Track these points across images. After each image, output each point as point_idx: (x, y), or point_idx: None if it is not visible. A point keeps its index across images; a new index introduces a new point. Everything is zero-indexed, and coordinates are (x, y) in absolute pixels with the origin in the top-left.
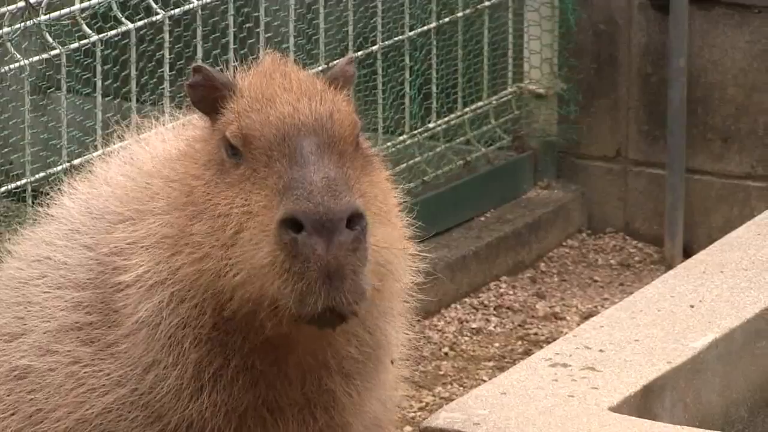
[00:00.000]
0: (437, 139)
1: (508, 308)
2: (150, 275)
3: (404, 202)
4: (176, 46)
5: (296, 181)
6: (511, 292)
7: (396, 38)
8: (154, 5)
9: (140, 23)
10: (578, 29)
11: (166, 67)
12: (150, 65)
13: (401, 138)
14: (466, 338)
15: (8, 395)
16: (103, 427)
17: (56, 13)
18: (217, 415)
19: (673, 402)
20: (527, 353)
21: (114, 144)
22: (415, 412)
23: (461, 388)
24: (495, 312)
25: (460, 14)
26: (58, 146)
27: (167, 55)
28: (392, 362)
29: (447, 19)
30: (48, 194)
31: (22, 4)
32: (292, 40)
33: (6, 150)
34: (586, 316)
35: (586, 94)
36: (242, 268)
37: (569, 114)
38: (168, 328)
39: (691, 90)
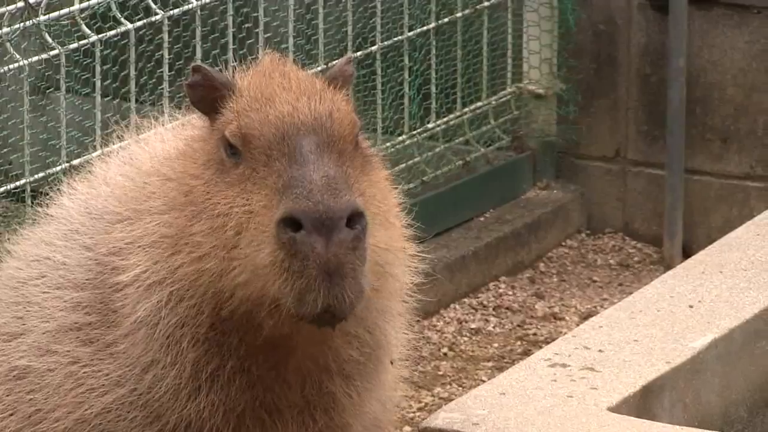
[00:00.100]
0: (436, 139)
1: (507, 308)
2: (148, 275)
3: (403, 202)
4: (175, 47)
5: (296, 180)
6: (510, 293)
7: (395, 38)
8: (153, 5)
9: (139, 23)
10: (577, 29)
11: (165, 68)
12: (149, 65)
13: (400, 138)
14: (465, 338)
15: (7, 395)
16: (102, 427)
17: (55, 14)
18: (215, 415)
19: (672, 402)
20: (526, 353)
21: (113, 144)
22: (414, 412)
23: (460, 388)
24: (494, 312)
25: (459, 14)
26: (58, 146)
27: (166, 56)
28: (392, 362)
29: (446, 20)
30: (47, 194)
31: (21, 4)
32: (291, 40)
33: (5, 150)
34: (586, 317)
35: (585, 95)
36: (244, 268)
37: (568, 114)
38: (166, 328)
39: (690, 90)
